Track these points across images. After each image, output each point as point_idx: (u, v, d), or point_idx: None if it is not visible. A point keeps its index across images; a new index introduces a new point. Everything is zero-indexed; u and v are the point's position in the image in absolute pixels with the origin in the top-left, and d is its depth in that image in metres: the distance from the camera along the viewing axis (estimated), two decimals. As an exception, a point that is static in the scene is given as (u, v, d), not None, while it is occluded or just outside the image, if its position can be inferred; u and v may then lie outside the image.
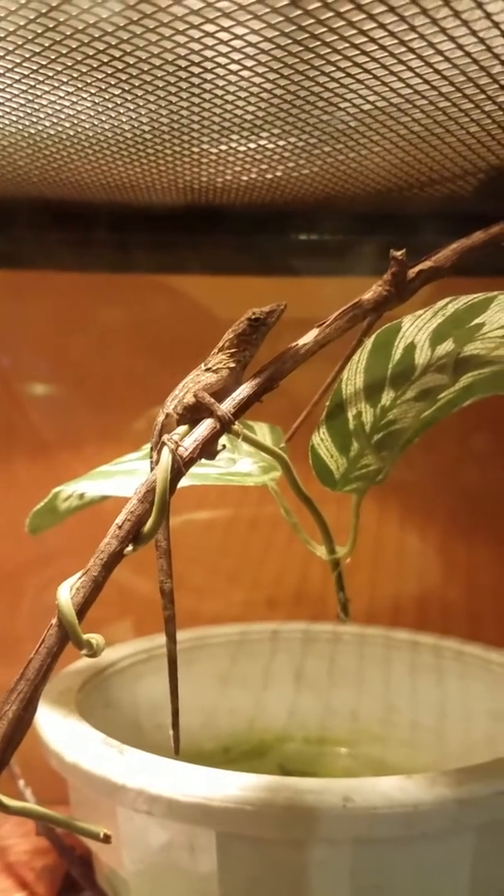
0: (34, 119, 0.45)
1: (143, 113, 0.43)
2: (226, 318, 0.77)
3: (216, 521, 0.79)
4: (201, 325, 0.76)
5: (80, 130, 0.47)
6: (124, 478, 0.50)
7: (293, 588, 0.81)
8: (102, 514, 0.62)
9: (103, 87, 0.40)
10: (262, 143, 0.48)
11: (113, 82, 0.39)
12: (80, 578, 0.36)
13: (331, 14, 0.31)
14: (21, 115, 0.44)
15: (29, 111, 0.43)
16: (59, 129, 0.46)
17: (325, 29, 0.32)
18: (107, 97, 0.41)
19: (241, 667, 0.71)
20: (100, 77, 0.39)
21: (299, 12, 0.31)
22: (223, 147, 0.49)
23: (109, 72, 0.38)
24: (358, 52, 0.34)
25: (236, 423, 0.40)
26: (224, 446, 0.42)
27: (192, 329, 0.76)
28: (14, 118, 0.45)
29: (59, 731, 0.50)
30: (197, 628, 0.70)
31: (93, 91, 0.40)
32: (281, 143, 0.47)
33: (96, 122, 0.45)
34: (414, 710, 0.69)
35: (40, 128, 0.46)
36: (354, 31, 0.32)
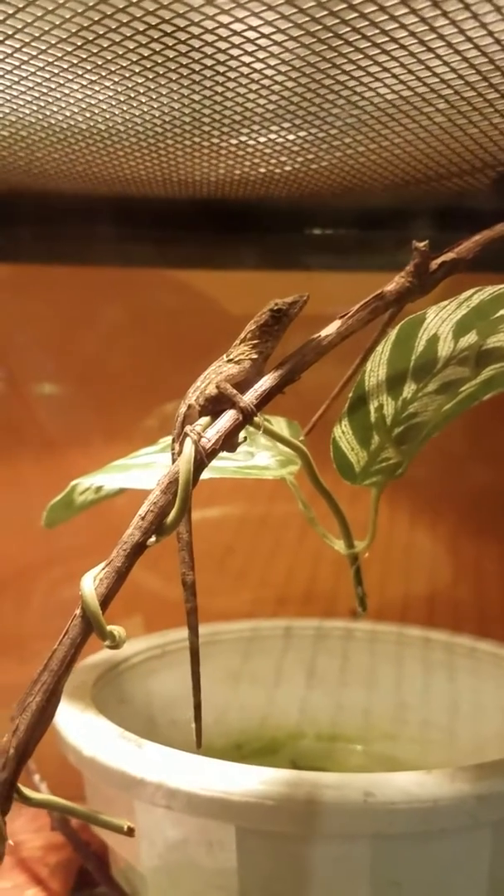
0: (55, 108, 0.44)
1: (164, 102, 0.43)
2: (237, 313, 0.77)
3: (226, 519, 0.79)
4: (212, 321, 0.76)
5: (97, 122, 0.46)
6: (142, 471, 0.50)
7: (303, 586, 0.80)
8: (111, 513, 0.62)
9: (127, 76, 0.39)
10: (281, 134, 0.47)
11: (137, 70, 0.39)
12: (103, 569, 0.36)
13: None
14: (42, 104, 0.44)
15: (50, 100, 0.43)
16: (77, 120, 0.46)
17: (355, 15, 0.32)
18: (129, 86, 0.41)
19: (252, 663, 0.71)
20: (121, 66, 0.39)
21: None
22: (241, 139, 0.49)
23: (134, 59, 0.38)
24: (385, 37, 0.34)
25: (258, 414, 0.39)
26: (245, 438, 0.41)
27: (202, 325, 0.76)
28: (35, 107, 0.44)
29: (76, 725, 0.50)
30: (208, 624, 0.70)
31: (115, 80, 0.40)
32: (302, 133, 0.47)
33: (117, 113, 0.45)
34: (426, 707, 0.68)
35: (60, 118, 0.46)
36: (385, 17, 0.32)
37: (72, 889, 0.59)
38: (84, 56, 0.37)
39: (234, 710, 0.69)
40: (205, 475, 0.39)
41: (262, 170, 0.55)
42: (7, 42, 0.36)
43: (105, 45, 0.36)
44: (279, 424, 0.53)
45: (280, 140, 0.48)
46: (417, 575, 0.82)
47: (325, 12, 0.32)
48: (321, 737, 0.70)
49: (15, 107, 0.45)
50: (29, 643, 0.77)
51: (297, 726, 0.70)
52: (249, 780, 0.42)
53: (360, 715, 0.70)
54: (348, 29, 0.33)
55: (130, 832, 0.35)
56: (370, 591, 0.59)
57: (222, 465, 0.48)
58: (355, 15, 0.32)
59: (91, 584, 0.35)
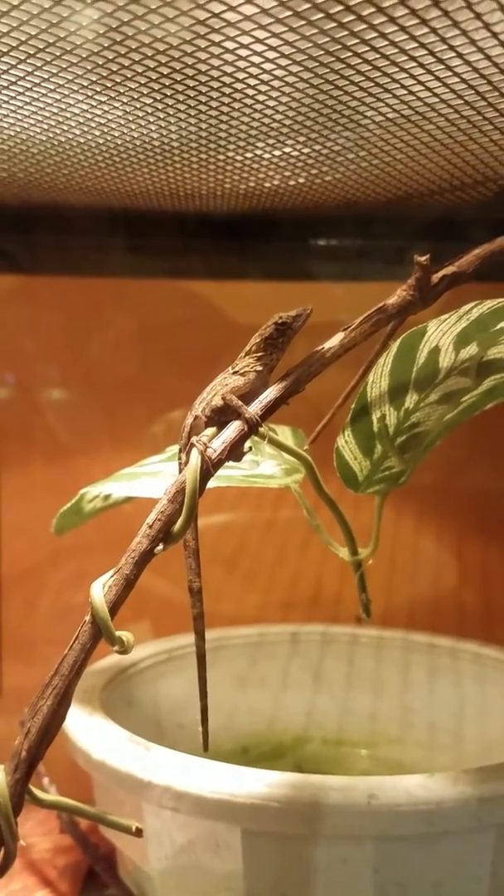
0: (65, 127, 0.46)
1: (172, 122, 0.44)
2: (242, 323, 0.78)
3: (232, 526, 0.80)
4: (217, 331, 0.77)
5: (109, 139, 0.48)
6: (150, 479, 0.51)
7: (308, 591, 0.81)
8: (118, 520, 0.63)
9: (135, 97, 0.41)
10: (287, 150, 0.48)
11: (145, 92, 0.40)
12: (112, 576, 0.37)
13: (356, 22, 0.32)
14: (53, 123, 0.45)
15: (60, 119, 0.44)
16: (89, 137, 0.47)
17: (357, 41, 0.33)
18: (138, 106, 0.42)
19: (259, 668, 0.72)
20: (132, 87, 0.40)
21: (330, 24, 0.32)
22: (247, 156, 0.50)
23: (143, 82, 0.39)
24: (386, 61, 0.35)
25: (263, 425, 0.40)
26: (251, 448, 0.42)
27: (208, 334, 0.77)
28: (45, 126, 0.46)
29: (86, 728, 0.51)
30: (216, 630, 0.71)
31: (125, 101, 0.41)
32: (306, 150, 0.48)
33: (126, 131, 0.46)
34: (431, 712, 0.69)
35: (70, 136, 0.47)
36: (386, 43, 0.33)
37: (80, 891, 0.60)
38: (95, 79, 0.39)
39: (241, 714, 0.70)
40: (211, 483, 0.40)
41: (268, 185, 0.56)
42: (22, 64, 0.38)
43: (116, 69, 0.37)
44: (284, 433, 0.54)
45: (286, 157, 0.50)
46: (422, 580, 0.83)
47: (328, 38, 0.33)
48: (327, 741, 0.71)
49: (26, 126, 0.46)
50: (37, 647, 0.78)
51: (304, 730, 0.71)
52: (255, 783, 0.43)
53: (367, 720, 0.71)
54: (350, 54, 0.34)
55: (138, 832, 0.36)
56: (375, 596, 0.61)
57: (228, 474, 0.49)
58: (357, 41, 0.33)
59: (100, 591, 0.36)
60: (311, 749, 0.70)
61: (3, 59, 0.37)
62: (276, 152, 0.49)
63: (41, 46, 0.35)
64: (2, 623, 0.78)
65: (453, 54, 0.33)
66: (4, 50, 0.36)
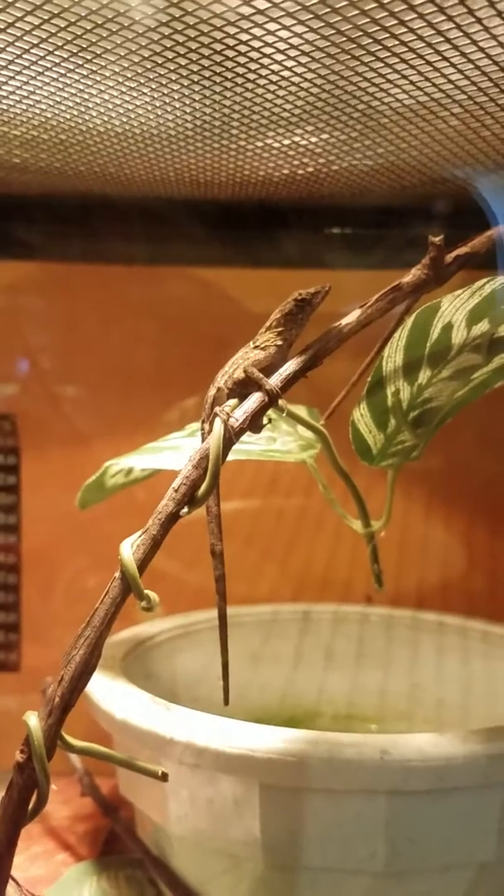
0: (93, 114, 0.48)
1: (196, 108, 0.46)
2: (257, 310, 0.80)
3: (246, 510, 0.82)
4: (234, 317, 0.79)
5: (131, 126, 0.50)
6: (171, 453, 0.53)
7: (320, 573, 0.83)
8: (135, 507, 0.65)
9: (164, 83, 0.43)
10: (304, 137, 0.50)
11: (164, 82, 0.42)
12: (140, 536, 0.39)
13: (373, 7, 0.34)
14: (82, 110, 0.47)
15: (90, 106, 0.46)
16: (114, 124, 0.49)
17: (376, 27, 0.35)
18: (164, 92, 0.44)
19: (272, 645, 0.74)
20: (154, 77, 0.42)
21: (343, 4, 0.34)
22: (265, 142, 0.52)
23: (163, 72, 0.41)
24: (402, 47, 0.37)
25: (282, 397, 0.42)
26: (270, 420, 0.44)
27: (224, 321, 0.79)
28: (75, 113, 0.48)
29: (109, 692, 0.53)
30: (230, 607, 0.72)
31: (153, 87, 0.43)
32: (323, 136, 0.50)
33: (152, 118, 0.48)
34: (440, 688, 0.71)
35: (98, 122, 0.49)
36: (403, 30, 0.35)
37: (99, 854, 0.62)
38: (127, 65, 0.40)
39: (255, 689, 0.72)
40: (232, 457, 0.42)
41: (285, 171, 0.58)
42: (58, 51, 0.40)
43: (146, 57, 0.39)
44: (299, 411, 0.56)
45: (302, 143, 0.52)
46: (432, 564, 0.84)
47: (349, 25, 0.35)
48: (338, 716, 0.72)
49: (56, 112, 0.48)
50: (54, 628, 0.80)
51: (315, 706, 0.73)
52: (273, 739, 0.45)
53: (376, 696, 0.72)
54: (369, 40, 0.36)
55: (164, 777, 0.38)
56: (386, 579, 0.63)
57: (247, 448, 0.51)
58: (376, 28, 0.35)
59: (129, 549, 0.38)
60: (322, 723, 0.72)
61: (38, 46, 0.39)
62: (293, 139, 0.51)
63: (78, 33, 0.37)
64: (22, 605, 0.80)
65: (468, 41, 0.35)
66: (40, 39, 0.38)
